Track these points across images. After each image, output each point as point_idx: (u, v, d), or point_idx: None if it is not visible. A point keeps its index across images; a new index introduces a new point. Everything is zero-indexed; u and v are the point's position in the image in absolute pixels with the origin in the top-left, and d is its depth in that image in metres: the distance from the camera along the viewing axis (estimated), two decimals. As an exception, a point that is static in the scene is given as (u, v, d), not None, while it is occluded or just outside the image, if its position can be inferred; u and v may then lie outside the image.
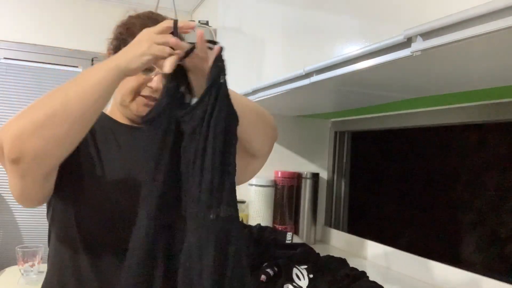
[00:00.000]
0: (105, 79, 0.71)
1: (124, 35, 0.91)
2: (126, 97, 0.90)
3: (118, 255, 0.79)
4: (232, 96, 0.75)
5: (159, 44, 0.72)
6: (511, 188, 1.33)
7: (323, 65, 1.06)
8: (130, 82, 0.88)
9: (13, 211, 2.43)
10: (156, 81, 0.89)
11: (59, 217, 0.87)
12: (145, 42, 0.71)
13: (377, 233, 1.80)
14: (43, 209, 0.90)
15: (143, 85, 0.89)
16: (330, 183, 2.05)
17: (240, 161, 0.87)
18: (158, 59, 0.73)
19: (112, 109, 0.97)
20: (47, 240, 0.92)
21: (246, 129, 0.82)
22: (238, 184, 0.96)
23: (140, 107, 0.90)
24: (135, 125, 0.94)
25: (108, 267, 0.84)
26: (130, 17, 0.93)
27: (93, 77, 0.71)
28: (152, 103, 0.88)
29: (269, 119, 0.90)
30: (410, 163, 1.78)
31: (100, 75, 0.71)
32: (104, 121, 0.93)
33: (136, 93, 0.90)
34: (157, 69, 0.88)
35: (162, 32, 0.73)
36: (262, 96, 1.43)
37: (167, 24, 0.74)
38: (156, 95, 0.88)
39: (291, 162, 1.97)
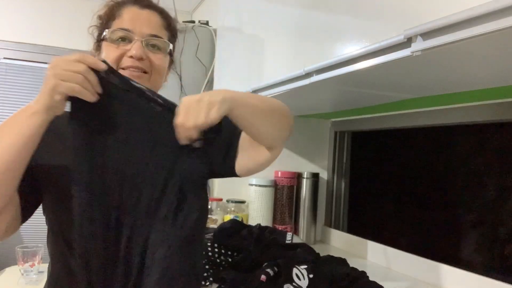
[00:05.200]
0: (29, 128, 0.72)
1: (104, 18, 0.90)
2: None
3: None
4: (242, 99, 0.78)
5: (64, 79, 0.70)
6: (511, 188, 1.33)
7: (323, 65, 1.06)
8: (109, 58, 0.86)
9: (13, 211, 2.42)
10: (135, 49, 0.85)
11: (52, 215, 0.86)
12: (52, 79, 0.70)
13: (377, 233, 1.80)
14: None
15: (122, 56, 0.86)
16: (330, 183, 2.05)
17: (252, 151, 0.90)
18: (75, 92, 0.71)
19: None
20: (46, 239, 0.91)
21: (258, 130, 0.84)
22: (252, 174, 0.97)
23: None
24: None
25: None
26: (108, 1, 0.93)
27: (17, 129, 0.72)
28: (136, 73, 0.86)
29: (283, 112, 0.90)
30: (410, 163, 1.77)
31: (23, 126, 0.72)
32: None
33: (118, 67, 0.86)
34: (135, 37, 0.86)
35: (69, 64, 0.71)
36: (262, 96, 1.43)
37: (74, 57, 0.72)
38: (140, 64, 0.86)
39: (291, 162, 1.97)
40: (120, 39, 0.87)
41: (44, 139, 0.77)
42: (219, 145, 0.91)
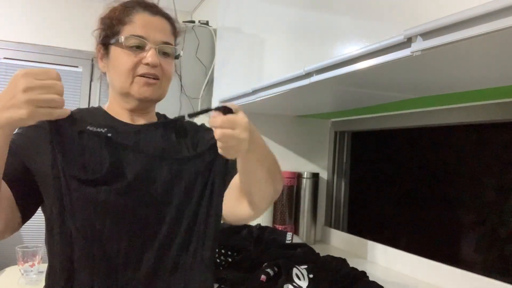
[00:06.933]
0: None
1: (113, 22, 0.90)
2: (124, 82, 0.89)
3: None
4: (261, 144, 0.79)
5: (42, 105, 0.66)
6: (511, 188, 1.33)
7: (323, 65, 1.06)
8: (125, 65, 0.88)
9: (13, 211, 2.42)
10: (151, 56, 0.88)
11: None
12: (26, 106, 0.65)
13: (377, 233, 1.80)
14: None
15: (138, 63, 0.88)
16: (330, 183, 2.05)
17: (235, 200, 0.88)
18: (53, 117, 0.69)
19: (111, 104, 0.95)
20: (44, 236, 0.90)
21: (259, 179, 0.82)
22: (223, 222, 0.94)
23: (141, 88, 0.89)
24: (136, 124, 0.94)
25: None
26: (114, 5, 0.93)
27: None
28: (152, 81, 0.89)
29: (280, 177, 0.89)
30: (410, 163, 1.77)
31: None
32: (102, 118, 0.92)
33: (134, 74, 0.88)
34: (149, 45, 0.88)
35: (45, 87, 0.66)
36: (262, 96, 1.43)
37: (48, 74, 0.68)
38: (154, 71, 0.88)
39: (291, 162, 1.97)
40: (134, 46, 0.88)
41: (37, 142, 0.79)
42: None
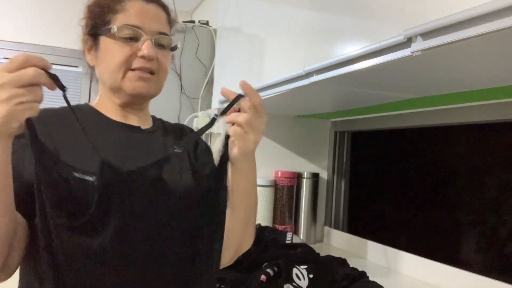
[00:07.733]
0: None
1: (103, 10, 0.82)
2: (116, 76, 0.80)
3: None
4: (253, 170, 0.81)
5: (23, 100, 0.58)
6: (511, 188, 1.33)
7: (323, 65, 1.06)
8: (117, 58, 0.79)
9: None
10: (146, 48, 0.79)
11: None
12: (4, 105, 0.57)
13: (377, 233, 1.80)
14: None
15: (132, 56, 0.79)
16: (330, 183, 2.05)
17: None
18: (36, 111, 0.60)
19: (101, 100, 0.86)
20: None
21: (236, 219, 0.81)
22: None
23: (135, 83, 0.80)
24: (128, 123, 0.85)
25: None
26: None
27: None
28: (147, 75, 0.80)
29: (251, 234, 0.86)
30: (410, 163, 1.78)
31: None
32: (91, 117, 0.83)
33: (127, 68, 0.80)
34: (144, 36, 0.80)
35: (19, 77, 0.58)
36: (262, 96, 1.42)
37: (17, 61, 0.58)
38: (150, 65, 0.80)
39: (291, 162, 1.97)
40: (128, 37, 0.80)
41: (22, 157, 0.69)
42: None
